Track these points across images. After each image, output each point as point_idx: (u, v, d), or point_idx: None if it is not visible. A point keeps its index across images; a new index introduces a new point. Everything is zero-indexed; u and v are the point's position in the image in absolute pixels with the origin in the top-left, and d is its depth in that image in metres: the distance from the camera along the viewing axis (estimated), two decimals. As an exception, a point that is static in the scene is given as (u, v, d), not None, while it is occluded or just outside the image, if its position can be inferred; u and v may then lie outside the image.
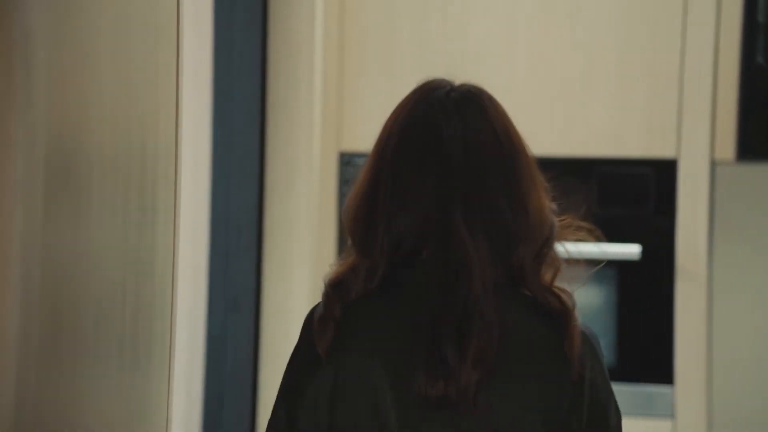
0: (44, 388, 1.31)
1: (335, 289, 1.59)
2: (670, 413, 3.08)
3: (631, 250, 3.10)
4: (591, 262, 1.66)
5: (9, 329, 1.26)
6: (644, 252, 3.09)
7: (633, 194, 3.13)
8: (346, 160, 3.19)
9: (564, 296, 1.57)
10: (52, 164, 1.30)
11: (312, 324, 1.60)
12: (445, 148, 1.56)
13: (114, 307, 1.47)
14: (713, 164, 3.09)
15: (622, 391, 3.08)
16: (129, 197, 1.50)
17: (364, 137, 3.16)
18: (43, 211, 1.29)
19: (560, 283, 1.59)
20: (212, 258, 2.96)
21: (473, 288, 1.53)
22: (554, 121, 3.16)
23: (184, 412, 2.86)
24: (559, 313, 1.56)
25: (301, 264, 3.08)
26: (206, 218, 2.95)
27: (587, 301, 3.15)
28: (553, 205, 1.60)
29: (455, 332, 1.52)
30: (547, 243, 1.58)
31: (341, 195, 3.18)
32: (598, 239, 1.64)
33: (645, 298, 3.12)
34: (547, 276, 1.58)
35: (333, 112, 3.19)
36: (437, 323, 1.53)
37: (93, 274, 1.41)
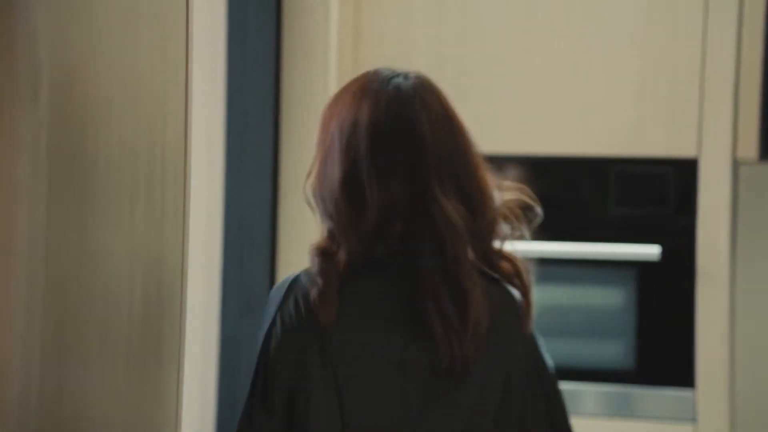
0: (49, 389, 1.30)
1: (328, 261, 1.69)
2: (691, 417, 3.04)
3: (651, 251, 3.06)
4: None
5: (13, 329, 1.24)
6: (664, 253, 3.06)
7: (653, 194, 3.09)
8: (361, 160, 3.16)
9: (515, 260, 1.75)
10: (56, 163, 1.29)
11: (300, 298, 1.69)
12: (416, 132, 1.70)
13: (121, 308, 1.45)
14: (735, 163, 3.06)
15: (642, 395, 3.09)
16: (136, 196, 1.48)
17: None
18: (46, 210, 1.27)
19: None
20: (225, 260, 2.93)
21: (460, 251, 1.67)
22: (572, 119, 3.12)
23: (197, 416, 2.83)
24: (512, 275, 1.73)
25: (316, 265, 3.04)
26: (220, 219, 2.92)
27: (606, 302, 3.13)
28: (492, 177, 1.77)
29: (451, 301, 1.65)
30: (497, 212, 1.73)
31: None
32: (532, 198, 1.80)
33: (665, 300, 3.08)
34: (496, 243, 1.75)
35: (348, 111, 3.16)
36: (432, 292, 1.66)
37: (99, 274, 1.39)
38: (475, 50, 3.15)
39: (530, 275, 1.75)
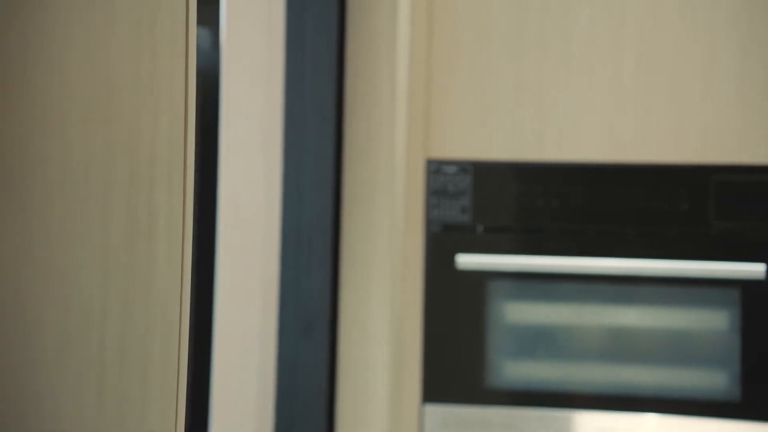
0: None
1: None
2: (800, 457, 2.82)
3: (756, 269, 2.85)
4: None
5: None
6: (772, 271, 2.86)
7: (758, 206, 2.88)
8: (435, 168, 2.97)
9: None
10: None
11: None
12: None
13: (90, 328, 1.30)
14: None
15: (748, 431, 2.86)
16: (110, 205, 1.34)
17: (455, 143, 2.95)
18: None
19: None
20: (283, 275, 2.76)
21: None
22: (667, 123, 2.92)
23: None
24: None
25: (382, 284, 2.86)
26: (277, 232, 2.76)
27: (706, 325, 2.92)
28: None
29: None
30: None
31: (429, 207, 2.96)
32: None
33: (773, 324, 2.87)
34: None
35: (420, 115, 2.98)
36: None
37: (53, 296, 1.25)
38: (558, 50, 2.96)
39: None
